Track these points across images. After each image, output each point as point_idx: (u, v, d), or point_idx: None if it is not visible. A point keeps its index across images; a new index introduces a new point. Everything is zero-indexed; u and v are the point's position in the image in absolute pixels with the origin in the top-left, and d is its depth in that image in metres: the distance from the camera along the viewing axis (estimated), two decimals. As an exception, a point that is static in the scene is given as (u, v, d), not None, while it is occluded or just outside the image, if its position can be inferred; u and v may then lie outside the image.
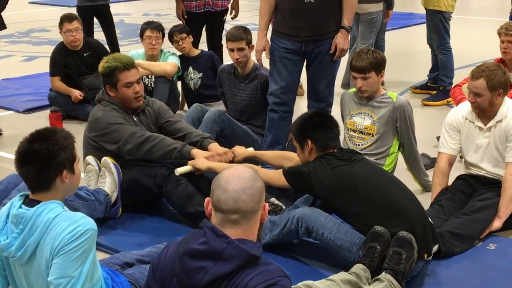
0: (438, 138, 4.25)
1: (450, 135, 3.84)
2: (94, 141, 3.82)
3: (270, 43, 4.40)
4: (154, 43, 5.55)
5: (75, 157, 2.40)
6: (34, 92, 6.69)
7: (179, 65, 5.60)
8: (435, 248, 3.24)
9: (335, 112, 4.30)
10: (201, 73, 5.67)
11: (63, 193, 2.41)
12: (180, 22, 6.10)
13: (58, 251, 2.24)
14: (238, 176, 2.10)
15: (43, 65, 6.65)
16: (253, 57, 4.68)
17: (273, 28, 4.41)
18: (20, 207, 2.34)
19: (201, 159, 3.63)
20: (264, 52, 4.40)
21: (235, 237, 2.05)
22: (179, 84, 5.87)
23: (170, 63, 5.53)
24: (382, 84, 4.54)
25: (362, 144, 4.01)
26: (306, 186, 3.29)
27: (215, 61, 5.70)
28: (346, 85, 6.20)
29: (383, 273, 2.94)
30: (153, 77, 5.55)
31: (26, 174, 2.34)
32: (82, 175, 3.64)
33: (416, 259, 3.01)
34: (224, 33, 6.14)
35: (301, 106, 5.17)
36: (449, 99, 5.88)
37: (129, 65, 3.83)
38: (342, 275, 2.91)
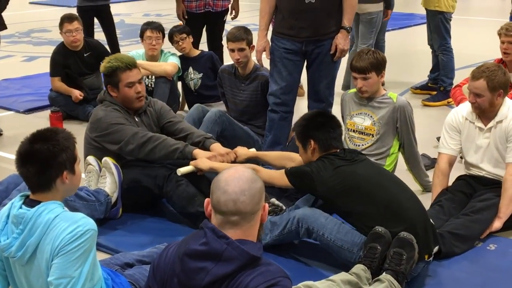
0: (438, 138, 4.25)
1: (450, 136, 3.84)
2: (96, 141, 3.82)
3: (270, 43, 4.40)
4: (154, 44, 5.56)
5: (76, 158, 2.40)
6: (34, 92, 6.69)
7: (180, 66, 5.61)
8: (436, 249, 3.24)
9: (335, 112, 4.29)
10: (201, 74, 5.68)
11: (63, 193, 2.41)
12: (181, 22, 6.10)
13: (58, 252, 2.24)
14: (238, 178, 2.09)
15: (44, 66, 6.65)
16: (253, 58, 4.68)
17: (273, 29, 4.41)
18: (21, 207, 2.34)
19: (203, 159, 3.63)
20: (264, 53, 4.40)
21: (235, 238, 2.05)
22: (179, 84, 5.88)
23: (170, 63, 5.54)
24: (383, 84, 4.54)
25: (362, 145, 4.00)
26: (308, 186, 3.29)
27: (215, 62, 5.70)
28: (346, 87, 6.19)
29: (384, 273, 2.94)
30: (153, 77, 5.56)
31: (26, 174, 2.34)
32: (83, 175, 3.65)
33: (416, 260, 3.01)
34: (224, 33, 6.14)
35: (301, 107, 5.17)
36: (449, 100, 5.88)
37: (131, 65, 3.83)
38: (343, 275, 2.91)
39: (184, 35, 5.62)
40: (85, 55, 5.83)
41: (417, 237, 3.03)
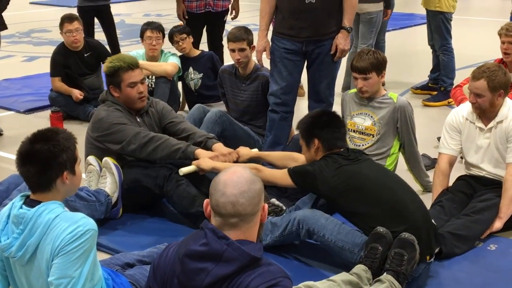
0: (438, 138, 4.25)
1: (450, 136, 3.84)
2: (97, 141, 3.82)
3: (270, 43, 4.40)
4: (155, 44, 5.56)
5: (76, 158, 2.40)
6: (34, 92, 6.69)
7: (180, 66, 5.61)
8: (437, 249, 3.24)
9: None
10: (202, 74, 5.68)
11: (63, 193, 2.41)
12: (181, 22, 6.10)
13: (58, 252, 2.24)
14: (236, 180, 2.08)
15: (44, 66, 6.65)
16: (254, 58, 4.67)
17: (273, 29, 4.41)
18: (21, 207, 2.34)
19: (205, 159, 3.62)
20: (264, 53, 4.40)
21: (235, 238, 2.05)
22: (179, 84, 5.88)
23: (170, 63, 5.54)
24: (383, 84, 4.54)
25: (363, 145, 4.00)
26: (311, 185, 3.29)
27: (216, 62, 5.70)
28: (346, 88, 6.19)
29: (384, 274, 2.93)
30: (153, 77, 5.56)
31: (27, 174, 2.34)
32: (83, 175, 3.64)
33: (418, 260, 3.01)
34: (224, 33, 6.15)
35: (301, 107, 5.17)
36: (450, 100, 5.88)
37: (133, 65, 3.84)
38: (343, 275, 2.90)
39: (184, 35, 5.62)
40: (85, 55, 5.83)
41: (420, 238, 3.02)
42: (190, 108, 5.55)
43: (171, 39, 5.67)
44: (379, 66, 3.94)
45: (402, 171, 4.10)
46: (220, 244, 2.03)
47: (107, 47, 6.48)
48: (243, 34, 4.64)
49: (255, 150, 3.94)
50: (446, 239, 3.35)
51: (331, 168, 3.22)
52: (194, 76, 5.69)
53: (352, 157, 3.29)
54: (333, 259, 3.25)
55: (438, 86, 6.23)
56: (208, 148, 3.79)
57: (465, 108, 3.82)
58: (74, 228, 2.24)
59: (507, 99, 3.72)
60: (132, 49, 6.83)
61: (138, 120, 3.91)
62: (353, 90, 4.17)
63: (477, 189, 3.76)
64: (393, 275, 2.92)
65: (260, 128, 4.72)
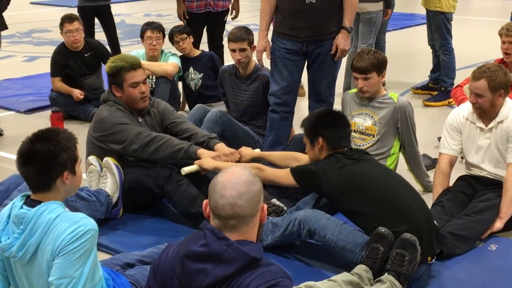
0: (439, 138, 4.25)
1: (451, 136, 3.84)
2: (99, 141, 3.82)
3: (271, 43, 4.40)
4: (155, 44, 5.56)
5: (76, 158, 2.40)
6: (35, 92, 6.69)
7: (180, 66, 5.61)
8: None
9: (336, 112, 4.29)
10: (202, 74, 5.68)
11: (64, 193, 2.41)
12: (181, 22, 6.10)
13: (59, 252, 2.24)
14: (235, 181, 2.06)
15: (44, 66, 6.65)
16: (254, 58, 4.67)
17: (274, 29, 4.41)
18: (22, 207, 2.34)
19: (207, 159, 3.62)
20: (265, 53, 4.40)
21: (234, 239, 2.04)
22: (180, 84, 5.88)
23: (170, 63, 5.54)
24: (383, 84, 4.54)
25: (363, 145, 4.00)
26: (313, 184, 3.28)
27: (216, 62, 5.70)
28: (347, 89, 6.18)
29: (385, 274, 2.93)
30: (154, 77, 5.56)
31: (27, 174, 2.35)
32: (84, 175, 3.64)
33: (419, 261, 3.00)
34: (225, 33, 6.15)
35: (302, 107, 5.17)
36: (450, 100, 5.88)
37: (136, 65, 3.84)
38: (344, 275, 2.90)
39: (185, 36, 5.62)
40: (85, 55, 5.83)
41: (421, 238, 3.02)
42: (190, 108, 5.56)
43: (171, 39, 5.67)
44: (380, 66, 3.94)
45: (403, 171, 4.10)
46: (220, 245, 2.03)
47: (108, 47, 6.48)
48: (244, 34, 4.64)
49: (257, 150, 3.94)
50: (447, 239, 3.35)
51: (334, 168, 3.22)
52: (195, 76, 5.69)
53: (356, 156, 3.28)
54: (334, 259, 3.24)
55: (439, 86, 6.23)
56: (210, 148, 3.79)
57: (466, 108, 3.82)
58: (75, 228, 2.24)
59: (507, 99, 3.72)
60: (133, 49, 6.83)
61: (140, 120, 3.91)
62: (354, 90, 4.17)
63: (477, 189, 3.76)
64: (394, 275, 2.91)
65: (260, 128, 4.72)
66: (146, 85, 3.90)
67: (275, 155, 3.85)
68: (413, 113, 4.02)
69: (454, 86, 5.20)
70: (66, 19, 5.72)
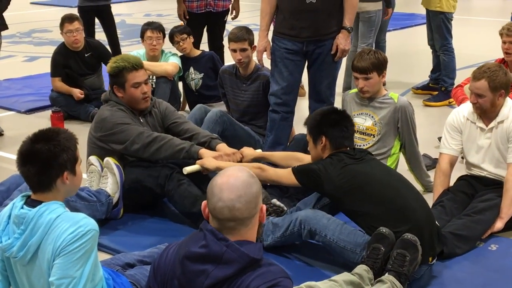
0: (439, 138, 4.25)
1: (451, 136, 3.84)
2: (100, 141, 3.82)
3: (271, 43, 4.39)
4: (155, 44, 5.56)
5: (77, 159, 2.40)
6: (35, 92, 6.69)
7: (180, 66, 5.61)
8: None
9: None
10: (202, 74, 5.68)
11: (64, 194, 2.41)
12: (182, 22, 6.10)
13: (59, 252, 2.24)
14: (232, 184, 2.05)
15: (45, 66, 6.65)
16: (254, 58, 4.67)
17: (274, 29, 4.41)
18: (22, 207, 2.34)
19: (209, 159, 3.62)
20: (265, 53, 4.40)
21: (234, 240, 2.04)
22: (180, 84, 5.88)
23: (171, 63, 5.54)
24: (384, 84, 4.54)
25: (364, 145, 4.00)
26: (315, 183, 3.27)
27: (216, 62, 5.70)
28: (347, 89, 6.18)
29: (386, 274, 2.93)
30: (154, 77, 5.56)
31: (27, 174, 2.35)
32: (84, 175, 3.65)
33: (420, 261, 3.00)
34: (225, 33, 6.15)
35: (302, 107, 5.17)
36: (451, 100, 5.88)
37: (137, 65, 3.83)
38: (345, 276, 2.90)
39: (185, 36, 5.62)
40: (86, 55, 5.83)
41: (422, 238, 3.02)
42: (190, 108, 5.56)
43: (171, 40, 5.66)
44: (380, 66, 3.94)
45: (403, 171, 4.09)
46: (220, 246, 2.02)
47: (108, 47, 6.48)
48: (245, 34, 4.64)
49: (259, 151, 3.93)
50: (448, 239, 3.35)
51: (336, 167, 3.21)
52: (195, 76, 5.69)
53: (358, 156, 3.28)
54: (335, 259, 3.24)
55: (439, 86, 6.23)
56: (212, 148, 3.79)
57: (466, 108, 3.82)
58: (76, 228, 2.24)
59: (508, 99, 3.72)
60: (133, 49, 6.83)
61: (141, 120, 3.91)
62: (354, 90, 4.17)
63: (478, 189, 3.76)
64: (395, 275, 2.91)
65: (260, 128, 4.72)
66: (148, 86, 3.89)
67: (277, 155, 3.85)
68: (413, 113, 4.02)
69: (455, 86, 5.20)
70: (66, 19, 5.72)
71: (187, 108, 5.91)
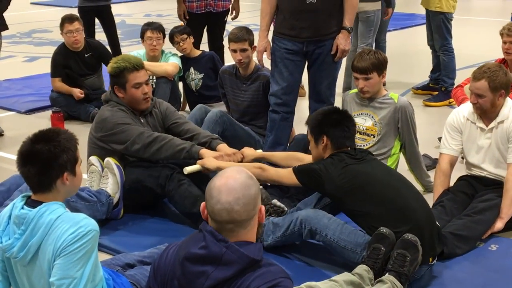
0: (439, 139, 4.25)
1: (451, 136, 3.84)
2: (101, 141, 3.82)
3: (271, 44, 4.40)
4: (155, 44, 5.56)
5: (77, 159, 2.40)
6: (35, 92, 6.69)
7: (180, 66, 5.61)
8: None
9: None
10: (202, 74, 5.68)
11: (64, 194, 2.41)
12: (182, 23, 6.10)
13: (60, 252, 2.24)
14: (231, 186, 2.04)
15: (45, 66, 6.65)
16: (254, 58, 4.67)
17: (274, 29, 4.41)
18: (22, 208, 2.34)
19: (210, 159, 3.62)
20: (265, 53, 4.40)
21: (233, 241, 2.04)
22: (180, 84, 5.88)
23: (171, 63, 5.54)
24: (384, 84, 4.54)
25: (364, 145, 4.00)
26: (316, 183, 3.27)
27: (216, 62, 5.70)
28: (347, 89, 6.18)
29: (386, 274, 2.93)
30: (154, 77, 5.56)
31: (27, 175, 2.35)
32: (85, 175, 3.65)
33: (420, 262, 3.00)
34: (225, 34, 6.15)
35: (302, 107, 5.17)
36: (451, 100, 5.88)
37: (138, 66, 3.83)
38: (345, 276, 2.90)
39: (185, 36, 5.62)
40: (86, 55, 5.83)
41: (422, 238, 3.02)
42: (191, 108, 5.57)
43: (171, 40, 5.67)
44: (380, 66, 3.94)
45: (403, 171, 4.09)
46: (219, 247, 2.02)
47: (108, 47, 6.48)
48: (245, 35, 4.64)
49: (259, 151, 3.93)
50: (448, 239, 3.35)
51: (337, 167, 3.21)
52: (195, 77, 5.69)
53: (359, 156, 3.28)
54: (335, 259, 3.24)
55: (439, 86, 6.23)
56: (212, 148, 3.79)
57: (466, 108, 3.82)
58: (76, 229, 2.24)
59: (508, 99, 3.72)
60: (133, 49, 6.83)
61: (142, 120, 3.91)
62: (354, 91, 4.17)
63: (478, 189, 3.76)
64: (395, 275, 2.91)
65: (261, 129, 4.72)
66: (149, 86, 3.89)
67: (277, 155, 3.85)
68: (413, 113, 4.02)
69: (455, 86, 5.20)
70: (66, 20, 5.72)
71: (187, 108, 5.91)
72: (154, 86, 5.53)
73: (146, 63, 5.45)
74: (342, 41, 4.22)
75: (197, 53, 5.75)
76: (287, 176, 3.36)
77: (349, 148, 3.33)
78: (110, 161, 3.74)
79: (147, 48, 5.60)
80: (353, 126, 3.40)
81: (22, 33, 10.35)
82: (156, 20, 6.21)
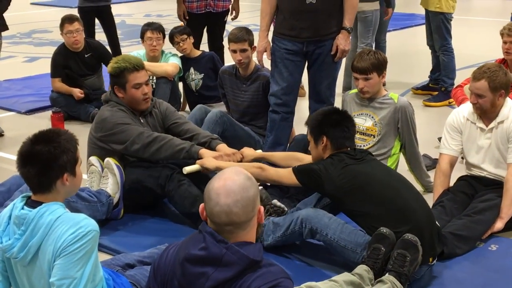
0: (439, 139, 4.25)
1: (451, 136, 3.84)
2: (101, 141, 3.82)
3: (271, 44, 4.40)
4: (155, 44, 5.56)
5: (77, 160, 2.40)
6: (35, 93, 6.69)
7: (180, 66, 5.61)
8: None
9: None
10: (202, 74, 5.68)
11: (64, 194, 2.41)
12: (181, 23, 6.10)
13: (60, 253, 2.24)
14: (229, 188, 2.03)
15: (45, 66, 6.65)
16: (254, 58, 4.68)
17: (274, 29, 4.41)
18: (22, 208, 2.34)
19: (209, 159, 3.62)
20: (265, 53, 4.40)
21: (233, 241, 2.04)
22: (180, 85, 5.88)
23: (171, 63, 5.54)
24: (384, 85, 4.54)
25: (364, 146, 4.00)
26: (316, 184, 3.27)
27: (216, 62, 5.70)
28: (347, 89, 6.19)
29: (387, 274, 2.93)
30: (154, 78, 5.56)
31: (27, 175, 2.35)
32: (85, 176, 3.65)
33: (420, 262, 3.00)
34: (225, 34, 6.15)
35: (302, 107, 5.17)
36: (451, 100, 5.88)
37: (139, 66, 3.84)
38: (345, 276, 2.90)
39: (185, 36, 5.62)
40: (86, 55, 5.84)
41: (422, 238, 3.02)
42: (191, 108, 5.57)
43: (171, 40, 5.67)
44: (380, 66, 3.94)
45: (403, 171, 4.09)
46: (219, 248, 2.02)
47: (108, 47, 6.48)
48: (245, 35, 4.64)
49: (259, 151, 3.93)
50: (448, 239, 3.35)
51: (337, 167, 3.21)
52: (195, 77, 5.70)
53: (359, 156, 3.28)
54: (335, 259, 3.25)
55: (439, 87, 6.23)
56: (212, 148, 3.79)
57: (466, 108, 3.82)
58: (76, 229, 2.25)
59: (508, 99, 3.72)
60: (133, 49, 6.83)
61: (142, 121, 3.91)
62: (354, 91, 4.17)
63: (478, 190, 3.76)
64: (395, 275, 2.91)
65: (260, 129, 4.73)
66: (149, 86, 3.90)
67: (277, 155, 3.85)
68: (413, 114, 4.02)
69: (455, 86, 5.20)
70: (66, 20, 5.72)
71: (187, 108, 5.91)
72: (154, 86, 5.53)
73: (146, 64, 5.44)
74: (342, 41, 4.22)
75: (197, 53, 5.76)
76: (286, 176, 3.36)
77: (348, 149, 3.33)
78: (110, 161, 3.74)
79: (147, 49, 5.61)
80: (353, 127, 3.40)
81: (22, 33, 10.36)
82: (156, 20, 6.21)
